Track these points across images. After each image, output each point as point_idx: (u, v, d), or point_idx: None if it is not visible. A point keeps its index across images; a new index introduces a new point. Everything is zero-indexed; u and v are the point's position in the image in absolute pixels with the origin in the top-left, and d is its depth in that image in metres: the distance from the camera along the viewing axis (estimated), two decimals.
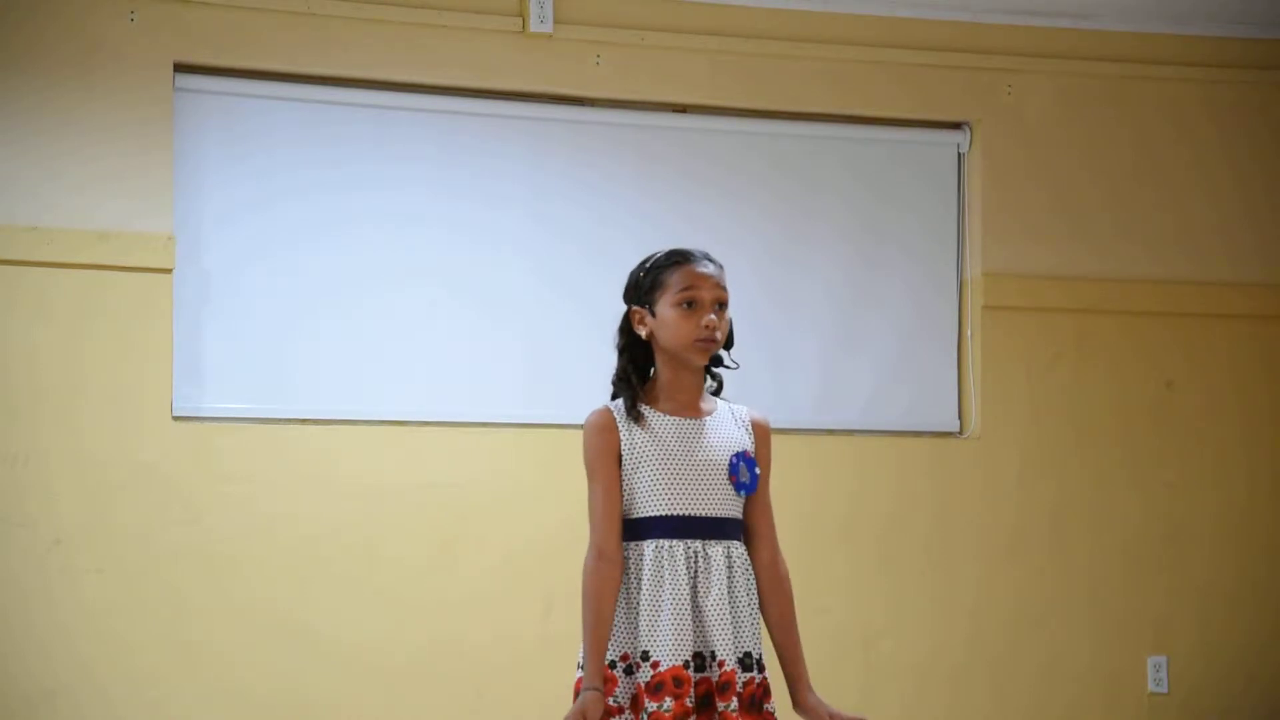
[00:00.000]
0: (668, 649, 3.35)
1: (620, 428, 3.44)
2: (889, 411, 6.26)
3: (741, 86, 6.11)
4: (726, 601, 3.40)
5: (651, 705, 3.33)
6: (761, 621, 3.49)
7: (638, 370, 3.50)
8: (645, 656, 3.36)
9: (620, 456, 3.44)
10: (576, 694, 3.41)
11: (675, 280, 3.45)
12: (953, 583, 6.22)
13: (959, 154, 6.37)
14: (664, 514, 3.41)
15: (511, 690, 5.71)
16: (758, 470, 3.48)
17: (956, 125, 6.37)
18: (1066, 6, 6.30)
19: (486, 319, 5.87)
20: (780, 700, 3.50)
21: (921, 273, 6.32)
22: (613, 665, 3.39)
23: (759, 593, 3.49)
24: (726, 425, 3.50)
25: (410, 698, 5.65)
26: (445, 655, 5.68)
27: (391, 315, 5.79)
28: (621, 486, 3.44)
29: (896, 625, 6.15)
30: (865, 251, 6.26)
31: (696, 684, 3.37)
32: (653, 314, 3.46)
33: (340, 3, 5.72)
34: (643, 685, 3.35)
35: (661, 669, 3.35)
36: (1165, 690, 6.35)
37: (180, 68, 5.59)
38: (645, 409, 3.46)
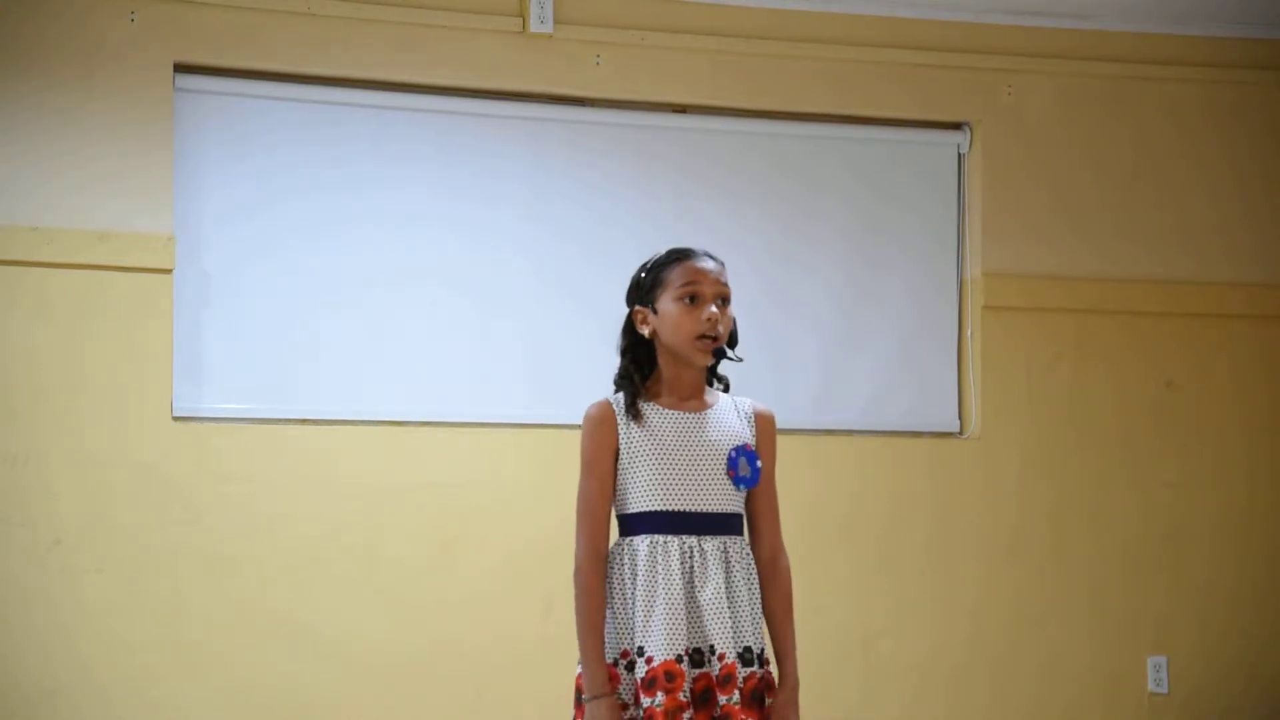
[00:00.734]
0: (660, 644, 3.36)
1: (619, 422, 3.44)
2: (889, 411, 6.27)
3: (741, 86, 6.11)
4: (724, 596, 3.40)
5: (646, 700, 3.34)
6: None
7: (640, 369, 3.50)
8: (640, 652, 3.37)
9: (618, 452, 3.44)
10: (578, 691, 3.41)
11: (676, 276, 3.46)
12: (953, 583, 6.22)
13: (959, 154, 6.37)
14: (659, 509, 3.41)
15: (511, 690, 5.71)
16: (759, 464, 3.48)
17: (956, 125, 6.37)
18: (1066, 6, 6.30)
19: (486, 319, 5.87)
20: None
21: (921, 273, 6.32)
22: (615, 664, 3.40)
23: (760, 587, 3.49)
24: (728, 418, 3.50)
25: (410, 698, 5.65)
26: (445, 655, 5.68)
27: (391, 315, 5.79)
28: (617, 481, 3.45)
29: (896, 625, 6.15)
30: (865, 251, 6.26)
31: (696, 679, 3.38)
32: (655, 312, 3.47)
33: (340, 3, 5.72)
34: (638, 681, 3.36)
35: (654, 664, 3.35)
36: (1165, 690, 6.35)
37: (180, 68, 5.59)
38: (645, 404, 3.47)
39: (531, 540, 5.72)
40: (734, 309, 3.52)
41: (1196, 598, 6.41)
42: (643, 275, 3.51)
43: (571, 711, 3.45)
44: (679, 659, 3.36)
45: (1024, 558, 6.28)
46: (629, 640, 3.40)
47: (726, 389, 3.57)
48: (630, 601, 3.40)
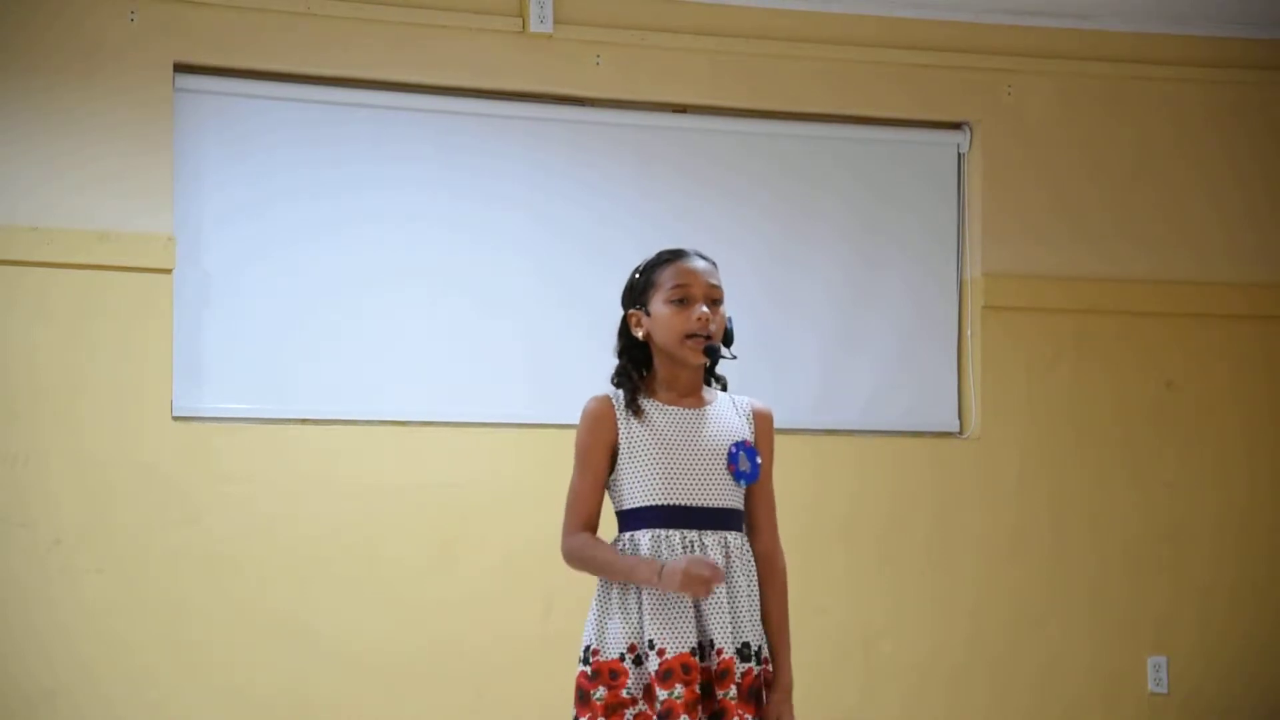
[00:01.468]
0: (673, 637, 3.36)
1: (619, 417, 3.45)
2: (889, 411, 6.27)
3: (741, 86, 6.11)
4: (724, 592, 3.40)
5: (663, 693, 3.34)
6: None
7: (637, 370, 3.51)
8: (651, 645, 3.37)
9: (616, 448, 3.45)
10: (580, 689, 3.41)
11: (667, 277, 3.47)
12: (953, 583, 6.22)
13: (959, 154, 6.37)
14: (660, 504, 3.42)
15: (511, 690, 5.71)
16: (759, 460, 3.49)
17: (956, 125, 6.37)
18: (1066, 6, 6.30)
19: (486, 319, 5.87)
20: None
21: (921, 273, 6.32)
22: (621, 658, 3.40)
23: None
24: (727, 415, 3.51)
25: (410, 698, 5.65)
26: (445, 655, 5.68)
27: (391, 315, 5.79)
28: (615, 478, 3.46)
29: (896, 625, 6.15)
30: (865, 251, 6.26)
31: (699, 673, 3.38)
32: (648, 314, 3.48)
33: (340, 3, 5.72)
34: (653, 674, 3.36)
35: (668, 656, 3.35)
36: (1165, 690, 6.35)
37: (180, 68, 5.59)
38: (644, 401, 3.47)
39: (531, 540, 5.71)
40: (733, 309, 3.53)
41: (1196, 598, 6.41)
42: (636, 278, 3.53)
43: (573, 711, 3.45)
44: (693, 651, 3.36)
45: (1024, 558, 6.28)
46: (636, 635, 3.40)
47: (724, 388, 3.58)
48: (636, 596, 3.40)
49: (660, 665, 3.36)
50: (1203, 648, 6.40)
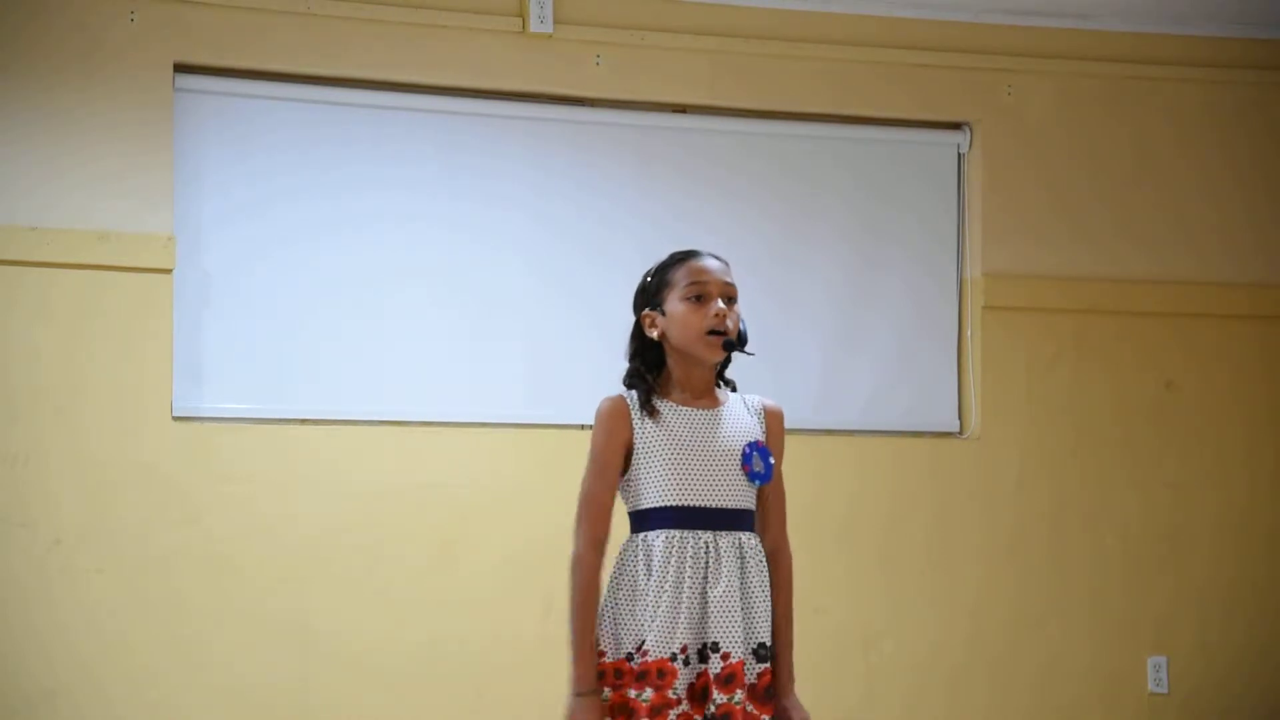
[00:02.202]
0: (657, 640, 3.36)
1: (634, 417, 3.44)
2: (889, 411, 6.27)
3: (741, 86, 6.11)
4: (736, 593, 3.40)
5: (632, 692, 3.34)
6: None
7: (650, 371, 3.50)
8: (640, 645, 3.37)
9: (630, 448, 3.44)
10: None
11: (682, 276, 3.47)
12: (953, 583, 6.22)
13: (959, 154, 6.37)
14: (675, 505, 3.41)
15: (511, 690, 5.71)
16: (772, 460, 3.49)
17: (956, 125, 6.37)
18: (1066, 6, 6.30)
19: (486, 319, 5.87)
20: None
21: (921, 273, 6.32)
22: (630, 658, 3.39)
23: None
24: (739, 415, 3.51)
25: (410, 698, 5.65)
26: (445, 655, 5.68)
27: (392, 315, 5.79)
28: (629, 478, 3.45)
29: (896, 625, 6.15)
30: (865, 251, 6.26)
31: (699, 675, 3.38)
32: (662, 314, 3.47)
33: (340, 3, 5.72)
34: (634, 671, 3.36)
35: (649, 659, 3.35)
36: (1165, 690, 6.35)
37: (180, 68, 5.59)
38: (658, 401, 3.47)
39: (531, 540, 5.71)
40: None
41: (1196, 598, 6.41)
42: (648, 280, 3.52)
43: None
44: (673, 657, 3.35)
45: (1024, 558, 6.28)
46: (635, 635, 3.39)
47: (734, 390, 3.57)
48: (642, 597, 3.40)
49: (639, 665, 3.36)
50: (1203, 648, 6.40)
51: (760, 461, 3.47)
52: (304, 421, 5.66)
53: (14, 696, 5.32)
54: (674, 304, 3.46)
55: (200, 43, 5.59)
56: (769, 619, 3.45)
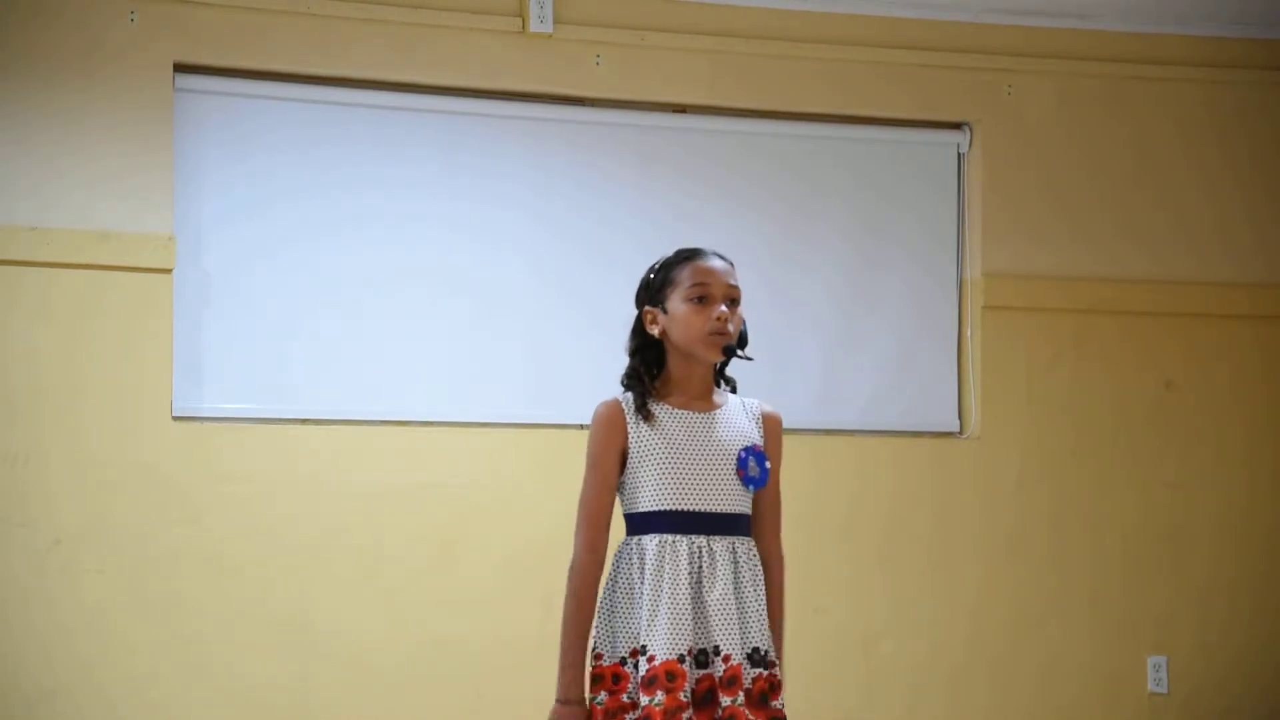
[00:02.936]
0: (662, 643, 3.35)
1: (628, 421, 3.44)
2: (889, 411, 6.26)
3: (741, 86, 6.11)
4: (732, 597, 3.40)
5: (644, 699, 3.34)
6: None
7: (649, 369, 3.50)
8: (643, 650, 3.37)
9: (626, 452, 3.44)
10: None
11: (686, 276, 3.46)
12: (953, 583, 6.22)
13: (959, 154, 6.37)
14: (669, 509, 3.41)
15: (511, 690, 5.71)
16: (768, 465, 3.48)
17: (956, 125, 6.37)
18: (1066, 6, 6.30)
19: (486, 319, 5.87)
20: (788, 696, 3.50)
21: (921, 273, 6.32)
22: (623, 662, 3.40)
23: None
24: (737, 419, 3.50)
25: (410, 698, 5.65)
26: (445, 655, 5.68)
27: (391, 315, 5.79)
28: (624, 481, 3.45)
29: (896, 625, 6.15)
30: (865, 251, 6.26)
31: (700, 680, 3.37)
32: (664, 311, 3.47)
33: (340, 3, 5.72)
34: (639, 680, 3.36)
35: (655, 663, 3.35)
36: (1165, 690, 6.35)
37: (180, 68, 5.59)
38: (654, 404, 3.46)
39: (531, 540, 5.72)
40: None
41: (1196, 598, 6.41)
42: (652, 276, 3.52)
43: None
44: (681, 659, 3.35)
45: (1024, 558, 6.28)
46: (635, 640, 3.39)
47: (734, 390, 3.57)
48: (638, 601, 3.40)
49: (647, 671, 3.35)
50: (1203, 648, 6.40)
51: (756, 466, 3.47)
52: (304, 421, 5.66)
53: (14, 696, 5.32)
54: (676, 303, 3.45)
55: (200, 43, 5.59)
56: (764, 624, 3.45)
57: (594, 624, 3.44)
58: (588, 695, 3.42)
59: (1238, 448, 6.50)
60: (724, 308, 3.44)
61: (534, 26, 5.86)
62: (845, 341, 6.22)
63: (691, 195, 6.08)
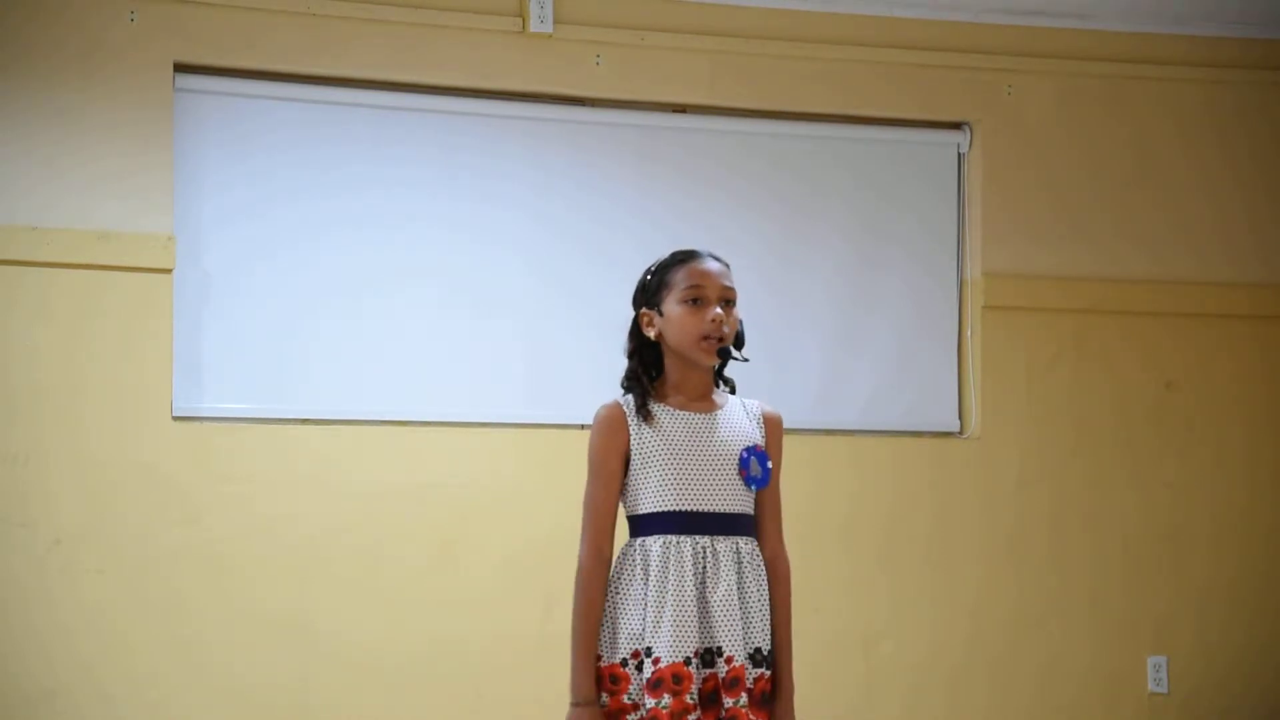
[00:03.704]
0: (668, 646, 3.35)
1: (630, 424, 3.44)
2: (889, 411, 6.27)
3: (741, 86, 6.11)
4: (735, 597, 3.40)
5: (650, 701, 3.34)
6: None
7: (647, 371, 3.50)
8: (648, 653, 3.37)
9: (628, 454, 3.44)
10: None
11: (681, 278, 3.46)
12: (953, 583, 6.22)
13: (959, 154, 6.38)
14: (672, 510, 3.41)
15: (511, 690, 5.71)
16: (770, 464, 3.49)
17: (956, 125, 6.37)
18: (1066, 6, 6.30)
19: (486, 319, 5.87)
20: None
21: (921, 273, 6.32)
22: (624, 663, 3.40)
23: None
24: (738, 419, 3.50)
25: (410, 698, 5.65)
26: (445, 655, 5.68)
27: (391, 315, 5.79)
28: (627, 483, 3.45)
29: (896, 625, 6.15)
30: (865, 251, 6.26)
31: (705, 680, 3.37)
32: (660, 314, 3.47)
33: (340, 3, 5.72)
34: (645, 683, 3.36)
35: (661, 665, 3.35)
36: (1165, 690, 6.35)
37: (180, 68, 5.59)
38: (655, 405, 3.46)
39: (531, 540, 5.72)
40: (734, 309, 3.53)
41: (1196, 598, 6.41)
42: (648, 278, 3.52)
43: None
44: (687, 661, 3.35)
45: (1024, 558, 6.28)
46: (639, 641, 3.39)
47: (733, 391, 3.57)
48: (642, 602, 3.40)
49: (652, 674, 3.35)
50: (1203, 648, 6.40)
51: (758, 466, 3.47)
52: (304, 421, 5.66)
53: (14, 696, 5.32)
54: (671, 306, 3.46)
55: (200, 43, 5.60)
56: (767, 624, 3.45)
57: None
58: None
59: (1238, 448, 6.50)
60: (719, 310, 3.44)
61: (534, 26, 5.86)
62: (845, 341, 6.22)
63: (691, 195, 6.09)
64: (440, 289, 5.84)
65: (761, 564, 3.47)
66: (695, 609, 3.38)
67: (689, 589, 3.38)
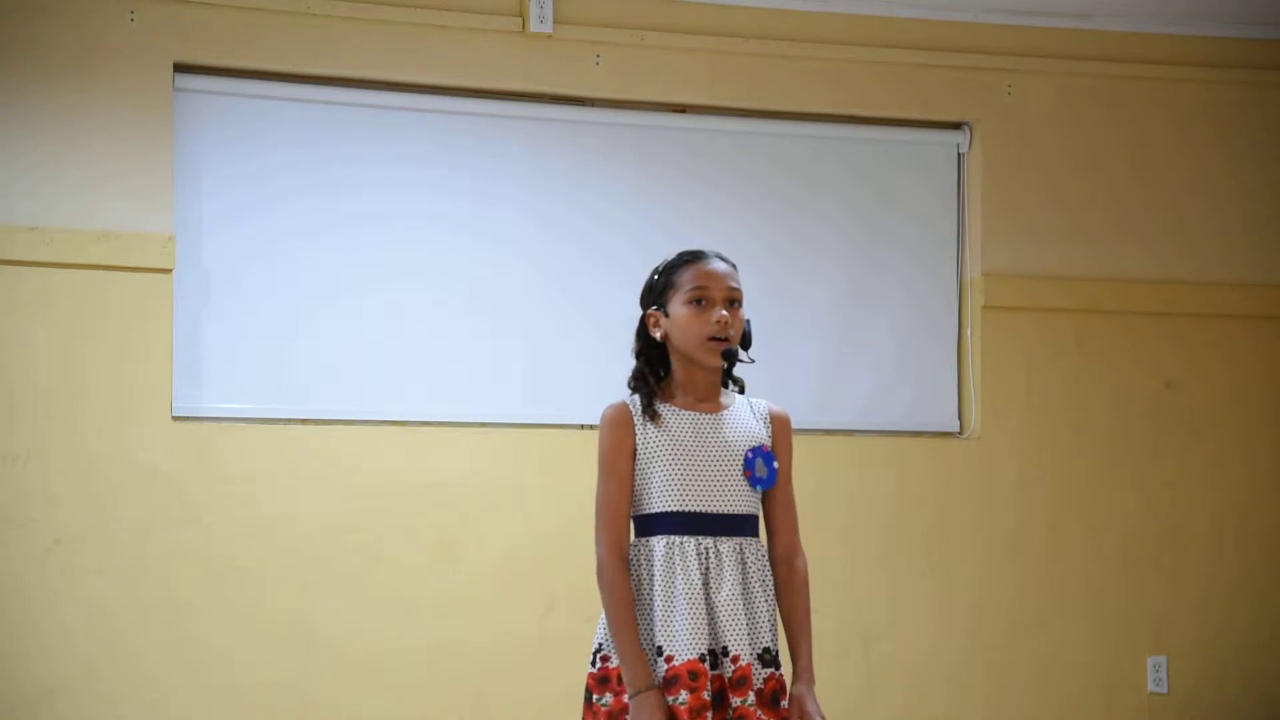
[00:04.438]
0: (683, 643, 3.35)
1: (636, 423, 3.44)
2: (889, 411, 6.27)
3: (741, 86, 6.11)
4: (739, 598, 3.40)
5: (668, 699, 3.33)
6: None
7: (654, 371, 3.50)
8: (659, 652, 3.36)
9: (635, 453, 3.44)
10: (588, 690, 3.42)
11: (686, 279, 3.46)
12: (953, 583, 6.22)
13: (959, 154, 6.37)
14: (676, 510, 3.41)
15: (511, 690, 5.71)
16: (776, 465, 3.48)
17: (956, 125, 6.37)
18: (1066, 6, 6.30)
19: (486, 319, 5.87)
20: None
21: (921, 273, 6.32)
22: None
23: (775, 588, 3.49)
24: (744, 419, 3.50)
25: (410, 698, 5.65)
26: (445, 655, 5.68)
27: (391, 315, 5.79)
28: (634, 482, 3.44)
29: (896, 625, 6.15)
30: (865, 251, 6.26)
31: (712, 680, 3.37)
32: (666, 314, 3.47)
33: (340, 3, 5.72)
34: (659, 681, 3.35)
35: (676, 663, 3.34)
36: (1165, 690, 6.35)
37: (180, 68, 5.59)
38: (661, 405, 3.46)
39: (532, 540, 5.72)
40: None
41: (1196, 597, 6.42)
42: (654, 278, 3.52)
43: (580, 711, 3.45)
44: (702, 658, 3.35)
45: (1024, 558, 6.28)
46: (647, 640, 3.39)
47: (741, 390, 3.57)
48: (648, 602, 3.40)
49: (667, 671, 3.35)
50: (1203, 648, 6.40)
51: (764, 467, 3.46)
52: (304, 421, 5.66)
53: (14, 696, 5.32)
54: (677, 307, 3.46)
55: (200, 43, 5.60)
56: (772, 624, 3.45)
57: (601, 620, 3.43)
58: (594, 697, 3.41)
59: (1238, 448, 6.50)
60: (724, 312, 3.44)
61: (534, 26, 5.86)
62: (845, 341, 6.22)
63: (691, 195, 6.09)
64: (440, 289, 5.84)
65: (767, 565, 3.47)
66: (703, 608, 3.37)
67: (697, 588, 3.37)
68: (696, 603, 3.37)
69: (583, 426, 5.66)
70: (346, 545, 5.63)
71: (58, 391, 5.41)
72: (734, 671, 3.37)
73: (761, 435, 3.50)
